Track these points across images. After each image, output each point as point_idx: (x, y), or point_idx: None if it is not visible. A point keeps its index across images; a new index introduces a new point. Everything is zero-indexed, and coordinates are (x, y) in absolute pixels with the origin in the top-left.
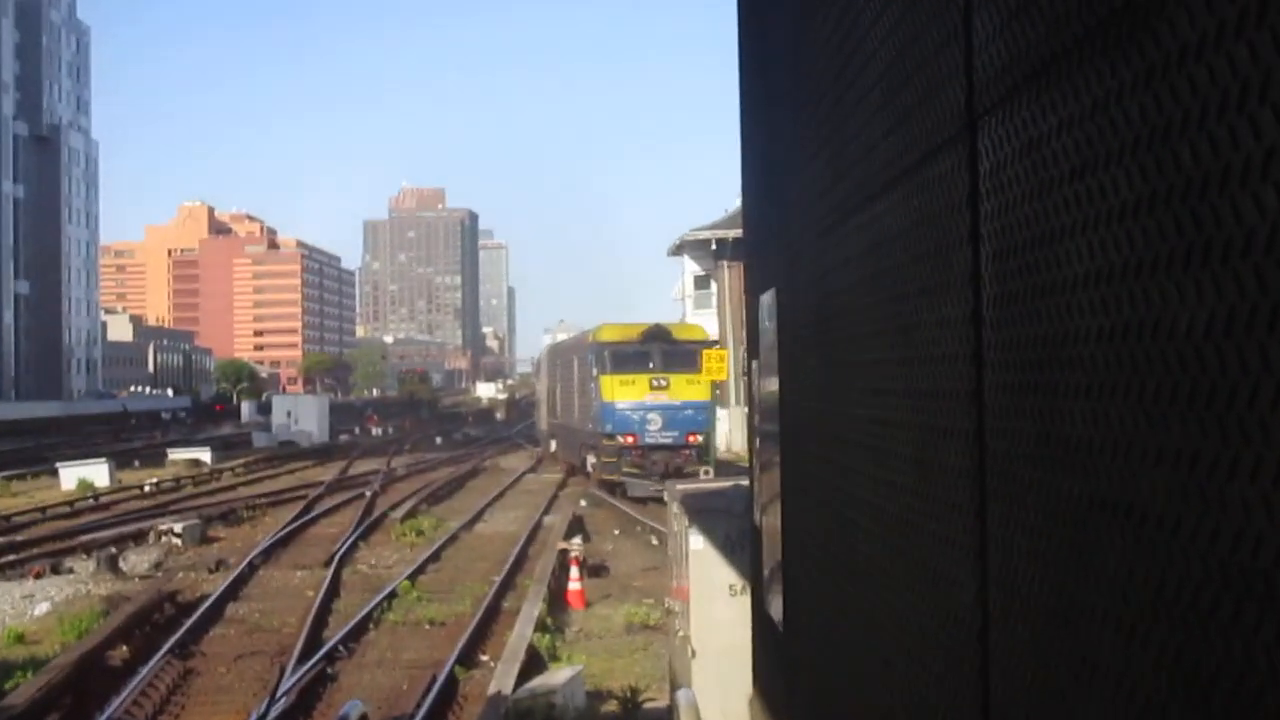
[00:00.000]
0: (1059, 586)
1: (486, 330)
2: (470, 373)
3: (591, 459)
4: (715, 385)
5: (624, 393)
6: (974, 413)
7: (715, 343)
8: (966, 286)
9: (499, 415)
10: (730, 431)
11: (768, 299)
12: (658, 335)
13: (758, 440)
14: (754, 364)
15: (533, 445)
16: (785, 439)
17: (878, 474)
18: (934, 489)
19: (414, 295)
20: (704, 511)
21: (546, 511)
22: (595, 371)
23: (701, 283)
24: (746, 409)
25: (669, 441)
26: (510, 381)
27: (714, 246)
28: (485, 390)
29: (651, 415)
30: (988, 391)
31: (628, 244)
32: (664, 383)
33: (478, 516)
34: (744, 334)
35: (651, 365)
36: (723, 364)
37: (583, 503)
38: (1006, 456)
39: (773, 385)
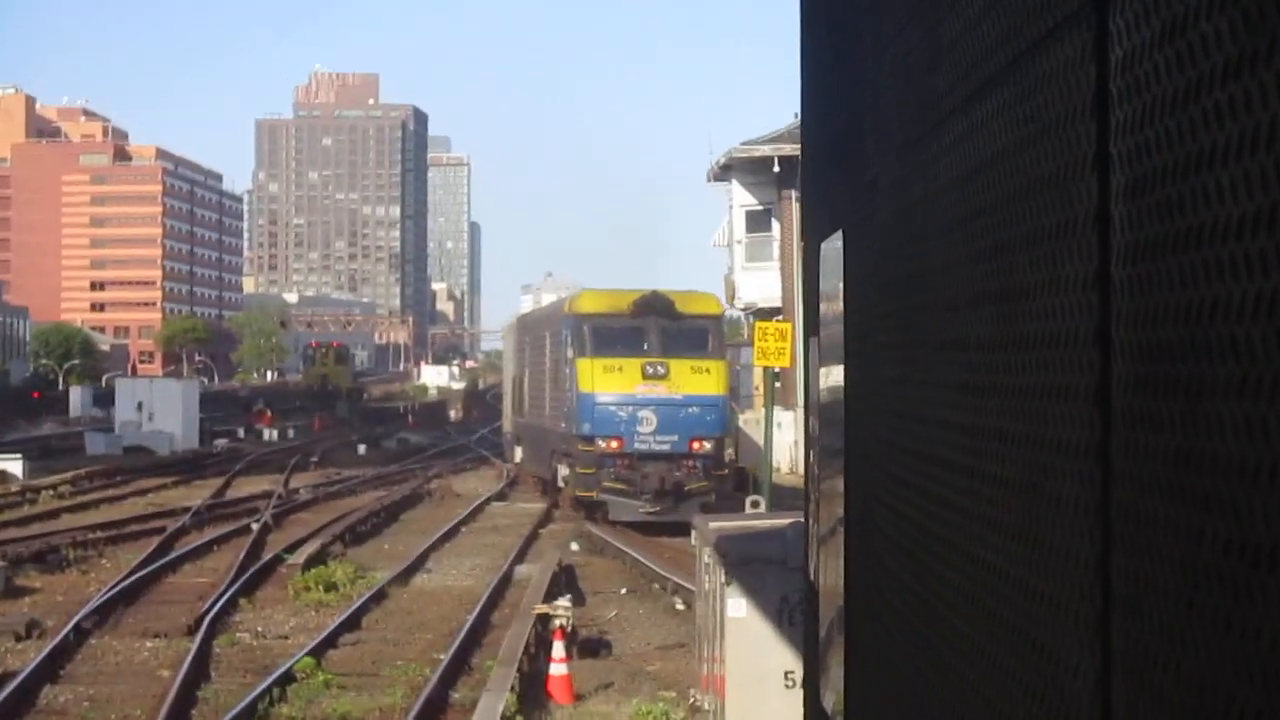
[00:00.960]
0: (1200, 680)
1: (438, 287)
2: (413, 350)
3: (563, 470)
4: (773, 376)
5: (608, 382)
6: (1096, 419)
7: (774, 313)
8: (1089, 232)
9: (454, 413)
10: (796, 444)
11: (832, 247)
12: (655, 306)
13: (815, 457)
14: (812, 344)
15: (504, 460)
16: (851, 455)
17: (971, 507)
18: (1042, 529)
19: (330, 233)
20: (749, 563)
21: (520, 558)
22: (570, 353)
23: (757, 222)
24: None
25: (666, 449)
26: (471, 363)
27: (776, 168)
28: (435, 375)
29: (644, 413)
30: (1116, 388)
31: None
32: (662, 370)
33: (418, 565)
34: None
35: (646, 346)
36: (785, 344)
37: (574, 546)
38: (1136, 484)
39: (837, 375)
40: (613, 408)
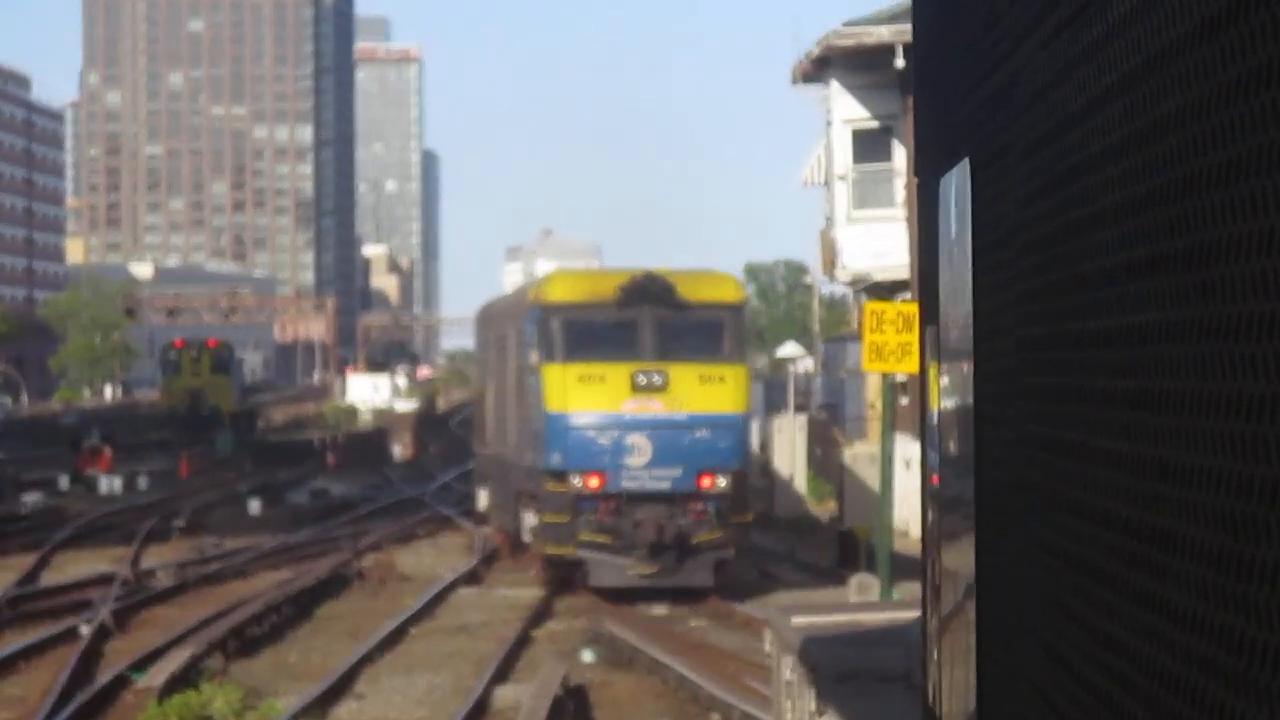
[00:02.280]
0: None
1: (374, 253)
2: (335, 351)
3: (529, 519)
4: (894, 388)
5: (585, 397)
6: None
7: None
8: None
9: (399, 449)
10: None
11: (952, 185)
12: (650, 291)
13: (935, 511)
14: (929, 336)
15: (477, 523)
16: (982, 504)
17: (1147, 586)
18: (1252, 626)
19: (203, 170)
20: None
21: (501, 675)
22: (535, 357)
23: (871, 146)
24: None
25: (665, 487)
26: (427, 370)
27: (899, 62)
28: (369, 390)
29: (634, 439)
30: None
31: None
32: (659, 379)
33: (341, 687)
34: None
35: (638, 347)
36: (911, 338)
37: (585, 655)
38: None
39: (963, 385)
40: (592, 432)
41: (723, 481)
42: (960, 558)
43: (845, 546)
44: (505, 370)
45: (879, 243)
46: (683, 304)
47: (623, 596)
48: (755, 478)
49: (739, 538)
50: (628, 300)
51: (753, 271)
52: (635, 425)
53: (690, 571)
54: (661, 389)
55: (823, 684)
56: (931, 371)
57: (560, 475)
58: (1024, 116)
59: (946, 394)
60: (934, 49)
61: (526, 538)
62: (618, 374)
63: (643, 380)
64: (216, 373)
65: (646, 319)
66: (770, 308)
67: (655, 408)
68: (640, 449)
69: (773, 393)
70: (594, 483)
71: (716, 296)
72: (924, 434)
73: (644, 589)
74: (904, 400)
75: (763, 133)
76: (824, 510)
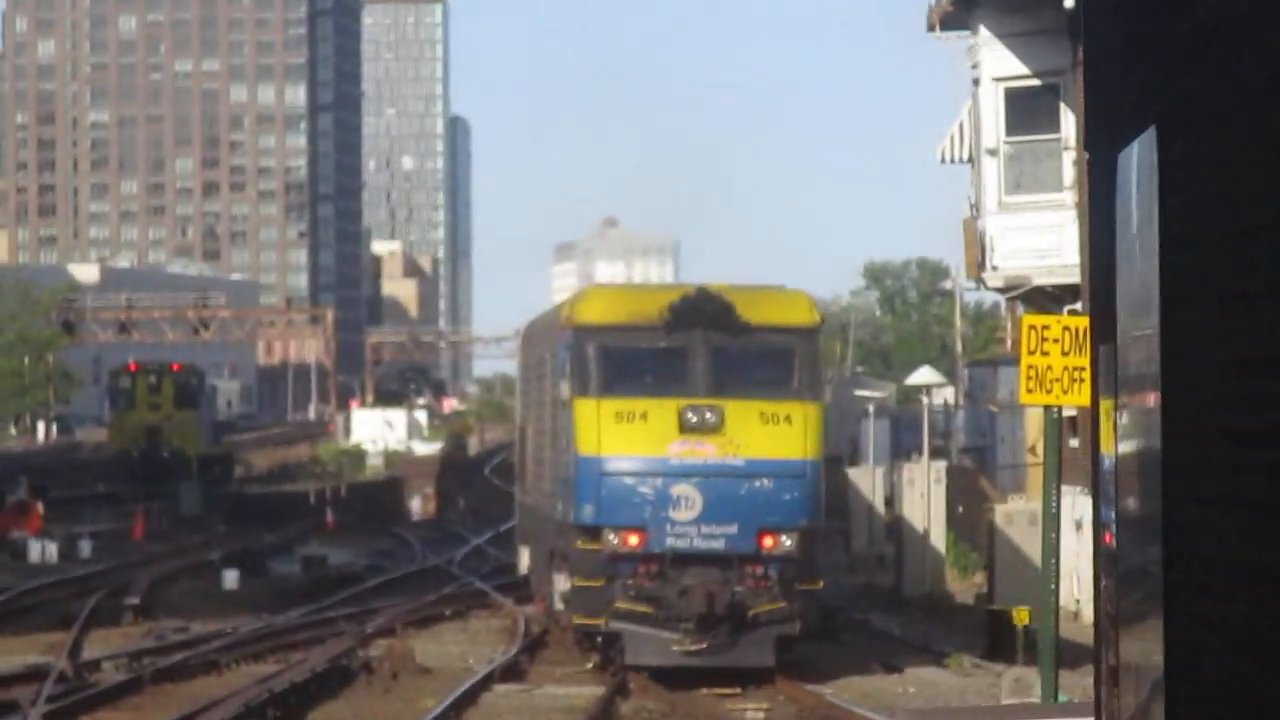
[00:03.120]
0: None
1: (386, 250)
2: (335, 377)
3: (561, 584)
4: (1059, 424)
5: (624, 438)
6: None
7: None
8: None
9: (418, 503)
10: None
11: (1134, 161)
12: (704, 312)
13: (1108, 585)
14: (1102, 356)
15: (519, 600)
16: (1173, 579)
17: None
18: None
19: (164, 143)
20: None
21: None
22: (568, 390)
23: (1029, 111)
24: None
25: (719, 547)
26: (453, 403)
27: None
28: (378, 428)
29: (681, 489)
30: None
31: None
32: (713, 417)
33: None
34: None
35: (688, 380)
36: (1083, 362)
37: None
38: None
39: (1147, 414)
40: (630, 480)
41: (788, 541)
42: (1144, 647)
43: (996, 632)
44: (542, 404)
45: (1041, 237)
46: (744, 327)
47: (682, 682)
48: (883, 545)
49: (807, 609)
50: (677, 323)
51: (875, 273)
52: (683, 472)
53: (746, 648)
54: (715, 429)
55: None
56: (1104, 405)
57: (593, 531)
58: (1232, 67)
59: (1125, 435)
60: None
61: (559, 605)
62: (663, 411)
63: (693, 418)
64: (181, 405)
65: (699, 345)
66: (898, 321)
67: (707, 452)
68: (689, 501)
69: (901, 432)
70: (633, 540)
71: (785, 319)
72: (1096, 486)
73: (695, 668)
74: (1074, 442)
75: (887, 96)
76: (969, 585)
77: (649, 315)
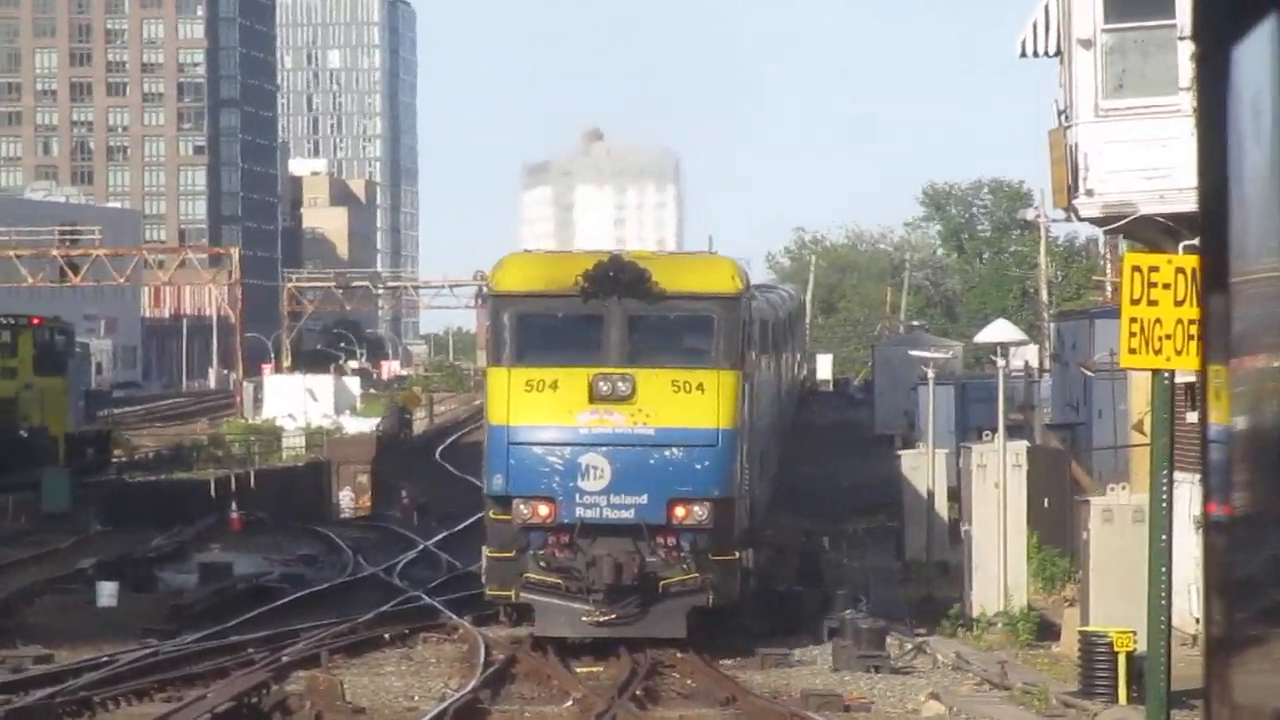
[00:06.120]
0: None
1: (307, 171)
2: (242, 333)
3: (490, 555)
4: (1169, 393)
5: (533, 408)
6: None
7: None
8: None
9: (348, 495)
10: None
11: (1256, 56)
12: (617, 280)
13: (1217, 601)
14: (1214, 307)
15: (475, 621)
16: None
17: None
18: None
19: (21, 29)
20: None
21: None
22: (484, 360)
23: None
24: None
25: (629, 516)
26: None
27: None
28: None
29: (591, 458)
30: None
31: None
32: (624, 386)
33: None
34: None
35: (601, 348)
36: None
37: None
38: None
39: (1276, 381)
40: (540, 450)
41: (700, 512)
42: (1266, 681)
43: (1092, 661)
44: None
45: (1150, 152)
46: (660, 295)
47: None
48: (945, 548)
49: (721, 581)
50: (591, 290)
51: (936, 199)
52: (592, 442)
53: (657, 619)
54: (626, 398)
55: None
56: (1214, 368)
57: (505, 502)
58: None
59: (1243, 406)
60: None
61: (483, 580)
62: (574, 380)
63: (604, 388)
64: (42, 371)
65: (614, 314)
66: (966, 261)
67: (616, 421)
68: (598, 471)
69: (969, 404)
70: (543, 511)
71: (704, 287)
72: (1206, 474)
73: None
74: (1192, 417)
75: None
76: (1056, 600)
77: (566, 283)
